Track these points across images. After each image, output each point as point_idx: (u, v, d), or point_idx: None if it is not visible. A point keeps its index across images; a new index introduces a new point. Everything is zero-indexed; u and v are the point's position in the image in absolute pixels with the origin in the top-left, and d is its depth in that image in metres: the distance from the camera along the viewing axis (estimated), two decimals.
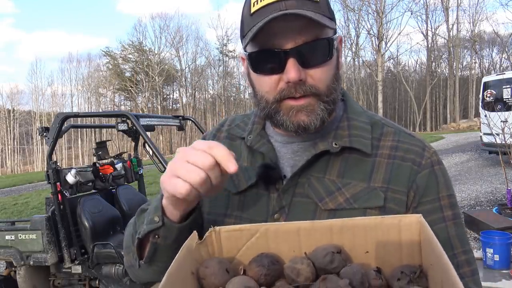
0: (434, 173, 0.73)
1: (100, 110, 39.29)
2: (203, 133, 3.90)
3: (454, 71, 36.75)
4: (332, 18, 0.70)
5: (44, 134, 3.37)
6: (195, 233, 0.59)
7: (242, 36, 0.71)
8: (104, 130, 41.75)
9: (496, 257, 3.50)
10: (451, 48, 36.10)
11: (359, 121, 0.76)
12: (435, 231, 0.65)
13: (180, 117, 4.01)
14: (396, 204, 0.70)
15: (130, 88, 44.01)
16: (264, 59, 0.68)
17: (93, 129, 42.66)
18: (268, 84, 0.70)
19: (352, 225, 0.56)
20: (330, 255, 0.53)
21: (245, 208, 0.77)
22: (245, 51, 0.72)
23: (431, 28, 37.47)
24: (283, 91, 0.68)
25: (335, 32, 0.72)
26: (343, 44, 0.77)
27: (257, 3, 0.66)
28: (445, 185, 0.73)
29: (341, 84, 0.75)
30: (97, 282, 3.39)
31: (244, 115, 0.90)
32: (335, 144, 0.72)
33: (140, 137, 3.60)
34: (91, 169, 3.70)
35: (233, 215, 0.77)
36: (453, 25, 35.70)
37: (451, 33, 36.01)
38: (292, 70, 0.65)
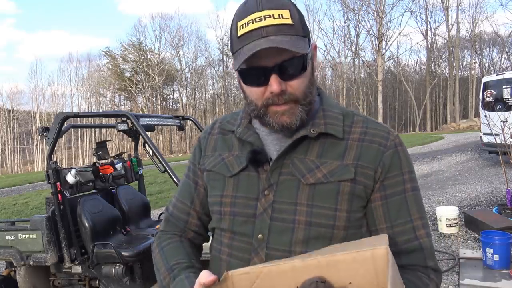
0: (397, 153, 0.88)
1: (100, 110, 39.29)
2: None
3: (454, 71, 36.75)
4: (306, 35, 0.84)
5: (44, 134, 3.36)
6: (215, 277, 0.73)
7: (232, 52, 0.86)
8: (104, 130, 41.73)
9: (496, 257, 3.50)
10: (451, 48, 36.09)
11: (332, 112, 0.92)
12: (398, 200, 0.87)
13: (180, 117, 4.01)
14: (365, 178, 0.85)
15: (130, 88, 44.00)
16: (251, 74, 0.84)
17: (93, 129, 42.66)
18: (256, 93, 0.85)
19: (336, 261, 0.69)
20: (315, 284, 0.67)
21: (239, 188, 0.91)
22: (236, 66, 0.86)
23: (431, 28, 37.50)
24: (269, 99, 0.84)
25: (309, 43, 0.86)
26: (317, 49, 0.93)
27: (243, 28, 0.82)
28: (406, 163, 0.89)
29: (315, 86, 0.91)
30: (97, 282, 3.39)
31: (233, 113, 1.05)
32: (313, 130, 0.87)
33: (140, 137, 3.60)
34: (91, 169, 3.69)
35: (229, 195, 0.92)
36: (453, 25, 35.73)
37: (451, 33, 36.01)
38: (274, 84, 0.81)
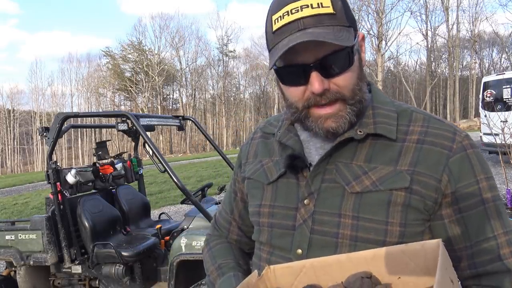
0: (468, 157, 0.73)
1: (100, 110, 39.27)
2: (203, 133, 3.85)
3: (454, 71, 36.74)
4: (351, 24, 0.73)
5: (44, 134, 3.36)
6: (256, 272, 0.69)
7: (268, 49, 0.77)
8: (104, 130, 41.72)
9: None
10: (451, 48, 36.07)
11: (384, 109, 0.79)
12: (476, 214, 0.72)
13: (180, 117, 4.00)
14: (423, 187, 0.71)
15: (130, 88, 43.99)
16: (289, 73, 0.74)
17: (93, 129, 42.65)
18: (296, 94, 0.75)
19: (383, 254, 0.63)
20: (360, 280, 0.62)
21: (277, 197, 0.83)
22: (274, 64, 0.77)
23: (431, 28, 37.48)
24: (310, 99, 0.74)
25: (356, 33, 0.75)
26: (365, 40, 0.81)
27: (278, 21, 0.72)
28: (481, 168, 0.73)
29: (365, 81, 0.79)
30: (97, 282, 3.39)
31: (279, 114, 0.96)
32: (360, 131, 0.76)
33: (140, 137, 3.60)
34: (91, 169, 3.69)
35: (267, 204, 0.84)
36: (453, 25, 35.71)
37: (451, 33, 35.99)
38: (315, 82, 0.71)
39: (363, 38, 0.79)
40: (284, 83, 0.76)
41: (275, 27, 0.73)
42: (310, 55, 0.71)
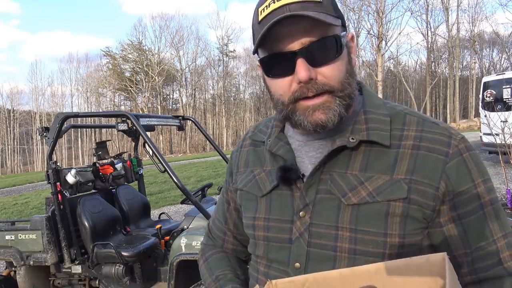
0: (464, 162, 0.71)
1: (100, 110, 39.26)
2: (203, 133, 3.84)
3: (454, 71, 36.74)
4: (338, 16, 0.71)
5: (44, 134, 3.36)
6: (257, 287, 0.67)
7: (254, 43, 0.73)
8: (104, 130, 41.74)
9: None
10: (451, 48, 36.07)
11: (376, 114, 0.76)
12: (475, 220, 0.70)
13: (180, 117, 4.00)
14: (421, 196, 0.69)
15: (130, 88, 43.98)
16: (274, 62, 0.71)
17: (93, 129, 42.65)
18: (281, 86, 0.72)
19: (387, 267, 0.61)
20: None
21: (272, 209, 0.80)
22: (258, 57, 0.75)
23: (431, 28, 37.47)
24: (296, 92, 0.70)
25: (344, 29, 0.73)
26: (355, 40, 0.77)
27: (263, 11, 0.70)
28: (478, 171, 0.71)
29: (355, 80, 0.76)
30: (97, 282, 3.39)
31: (268, 118, 0.92)
32: (352, 138, 0.73)
33: (140, 137, 3.60)
34: (91, 169, 3.69)
35: (262, 217, 0.81)
36: (453, 25, 35.71)
37: (451, 33, 35.99)
38: (301, 70, 0.67)
39: (352, 38, 0.76)
40: (270, 75, 0.73)
41: (260, 17, 0.70)
42: (296, 43, 0.68)
